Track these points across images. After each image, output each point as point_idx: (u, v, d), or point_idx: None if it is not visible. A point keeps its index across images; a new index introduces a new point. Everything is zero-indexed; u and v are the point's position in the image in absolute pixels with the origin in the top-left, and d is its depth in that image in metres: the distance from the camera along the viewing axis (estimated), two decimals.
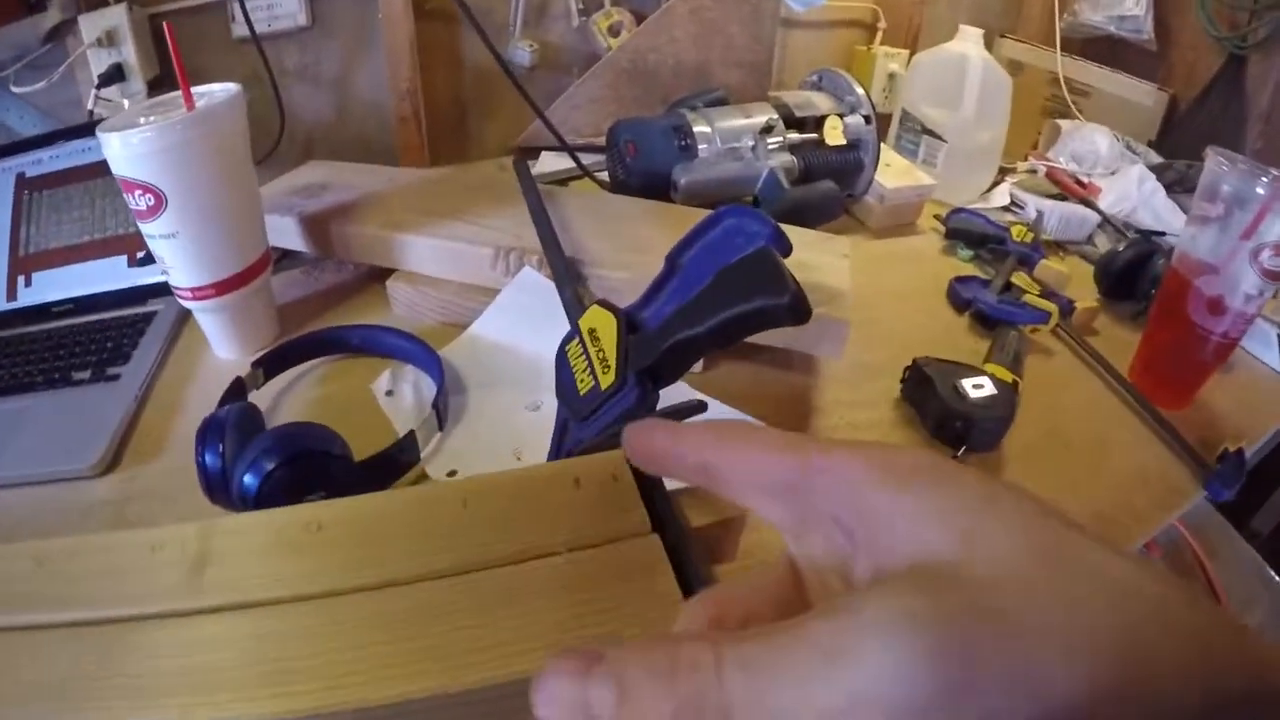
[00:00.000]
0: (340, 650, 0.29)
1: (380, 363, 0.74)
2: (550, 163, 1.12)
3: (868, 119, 0.97)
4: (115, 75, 0.94)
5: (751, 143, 0.91)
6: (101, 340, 0.78)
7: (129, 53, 0.95)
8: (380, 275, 0.82)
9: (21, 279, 0.87)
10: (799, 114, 0.96)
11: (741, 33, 1.17)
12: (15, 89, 0.95)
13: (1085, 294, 0.96)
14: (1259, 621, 1.00)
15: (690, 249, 0.45)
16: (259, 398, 0.69)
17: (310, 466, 0.53)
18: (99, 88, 0.94)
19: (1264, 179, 0.69)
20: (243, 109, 0.69)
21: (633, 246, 0.73)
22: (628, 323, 0.43)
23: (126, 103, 0.95)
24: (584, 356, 0.43)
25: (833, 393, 0.73)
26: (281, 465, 0.52)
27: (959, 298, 0.91)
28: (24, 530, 0.59)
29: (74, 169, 0.89)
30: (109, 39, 0.93)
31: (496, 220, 0.77)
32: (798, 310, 0.37)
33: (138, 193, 0.64)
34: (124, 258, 0.86)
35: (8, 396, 0.73)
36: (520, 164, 0.78)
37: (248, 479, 0.52)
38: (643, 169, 0.90)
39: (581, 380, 0.43)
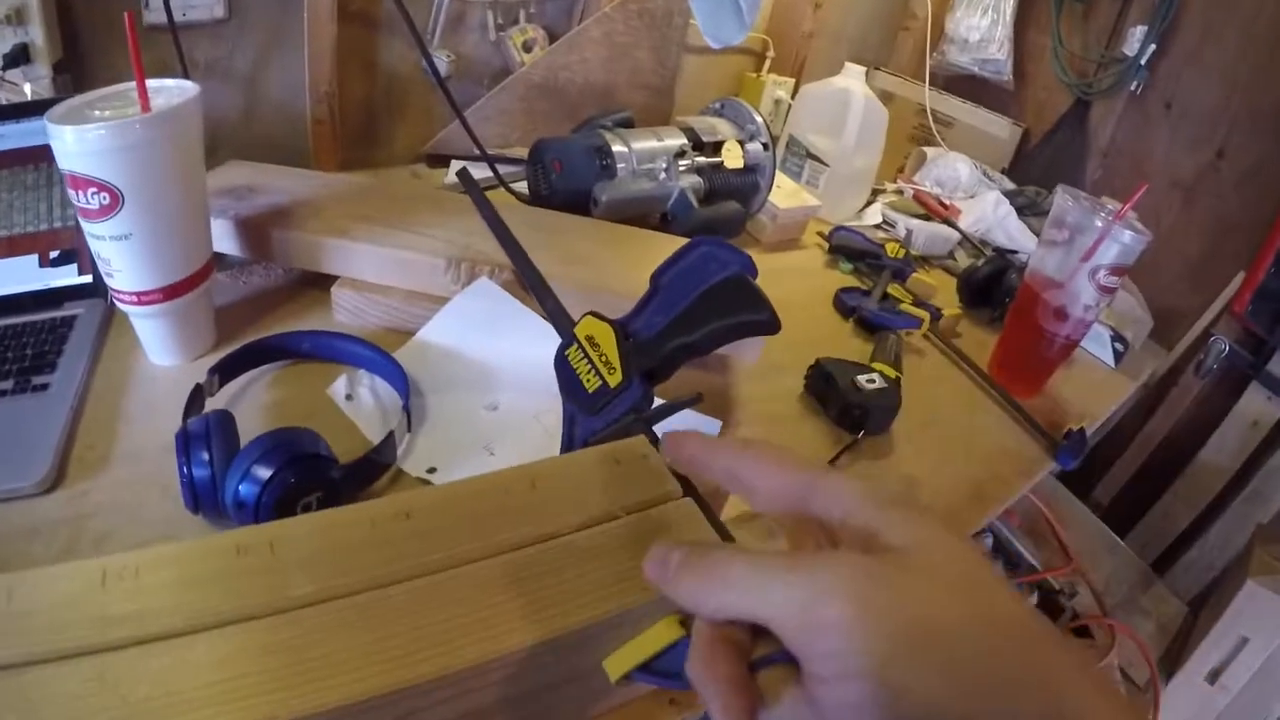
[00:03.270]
0: (476, 606, 0.39)
1: (324, 368, 0.78)
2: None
3: (765, 146, 1.11)
4: (20, 57, 0.90)
5: (665, 164, 1.05)
6: (18, 347, 0.76)
7: (36, 33, 0.91)
8: (311, 279, 0.88)
9: None
10: (705, 139, 1.09)
11: (649, 58, 1.30)
12: None
13: (949, 303, 1.16)
14: (1106, 575, 1.23)
15: (669, 271, 0.57)
16: (212, 404, 0.70)
17: (304, 471, 0.57)
18: (4, 69, 0.89)
19: (1101, 213, 0.89)
20: (200, 109, 0.70)
21: (570, 258, 0.84)
22: (622, 331, 0.54)
23: (28, 86, 0.91)
24: (586, 360, 0.54)
25: (747, 389, 0.87)
26: (279, 472, 0.55)
27: (844, 306, 1.08)
28: None
29: None
30: (16, 17, 0.89)
31: (439, 230, 0.86)
32: (774, 324, 0.50)
33: (90, 190, 0.64)
34: (34, 257, 0.82)
35: None
36: (466, 175, 0.87)
37: (244, 488, 0.55)
38: (567, 186, 1.01)
39: (588, 380, 0.54)
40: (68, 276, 0.83)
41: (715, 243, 0.56)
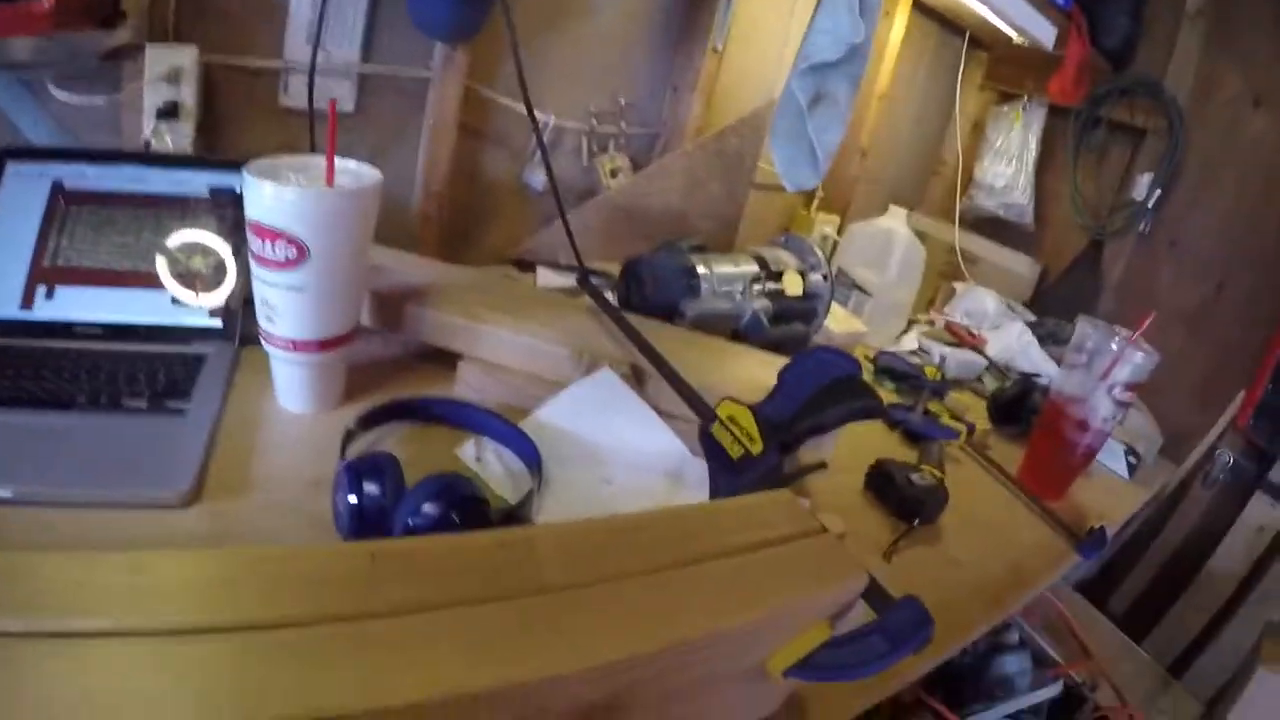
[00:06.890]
0: (694, 596, 0.51)
1: (449, 432, 0.89)
2: (548, 278, 1.39)
3: (825, 278, 1.31)
4: (170, 111, 1.03)
5: (741, 288, 1.25)
6: (149, 372, 0.82)
7: (188, 94, 1.03)
8: (430, 353, 1.00)
9: (42, 289, 0.87)
10: (773, 268, 1.29)
11: (721, 192, 1.51)
12: (56, 92, 1.00)
13: (979, 421, 1.35)
14: (1124, 680, 1.37)
15: (793, 370, 0.75)
16: (352, 450, 0.79)
17: (468, 513, 0.63)
18: (157, 119, 1.02)
19: (1116, 339, 1.09)
20: (379, 193, 0.81)
21: (672, 358, 0.96)
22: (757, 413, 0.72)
23: (169, 139, 1.03)
24: (729, 434, 0.71)
25: (816, 484, 1.01)
26: (448, 511, 0.62)
27: (890, 418, 1.25)
28: None
29: (124, 194, 0.92)
30: (174, 76, 1.02)
31: (558, 324, 1.01)
32: (883, 409, 0.68)
33: (280, 242, 0.72)
34: (168, 294, 0.90)
35: (42, 411, 0.74)
36: (587, 283, 1.05)
37: (413, 521, 0.62)
38: (657, 299, 1.21)
39: (732, 449, 0.71)
40: (197, 318, 0.91)
41: (828, 349, 0.75)
